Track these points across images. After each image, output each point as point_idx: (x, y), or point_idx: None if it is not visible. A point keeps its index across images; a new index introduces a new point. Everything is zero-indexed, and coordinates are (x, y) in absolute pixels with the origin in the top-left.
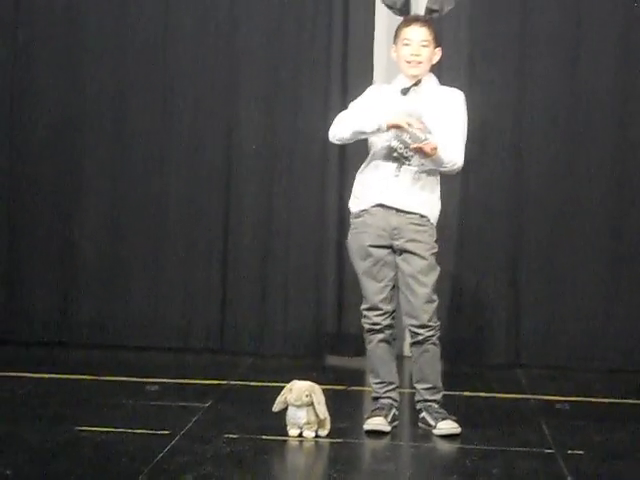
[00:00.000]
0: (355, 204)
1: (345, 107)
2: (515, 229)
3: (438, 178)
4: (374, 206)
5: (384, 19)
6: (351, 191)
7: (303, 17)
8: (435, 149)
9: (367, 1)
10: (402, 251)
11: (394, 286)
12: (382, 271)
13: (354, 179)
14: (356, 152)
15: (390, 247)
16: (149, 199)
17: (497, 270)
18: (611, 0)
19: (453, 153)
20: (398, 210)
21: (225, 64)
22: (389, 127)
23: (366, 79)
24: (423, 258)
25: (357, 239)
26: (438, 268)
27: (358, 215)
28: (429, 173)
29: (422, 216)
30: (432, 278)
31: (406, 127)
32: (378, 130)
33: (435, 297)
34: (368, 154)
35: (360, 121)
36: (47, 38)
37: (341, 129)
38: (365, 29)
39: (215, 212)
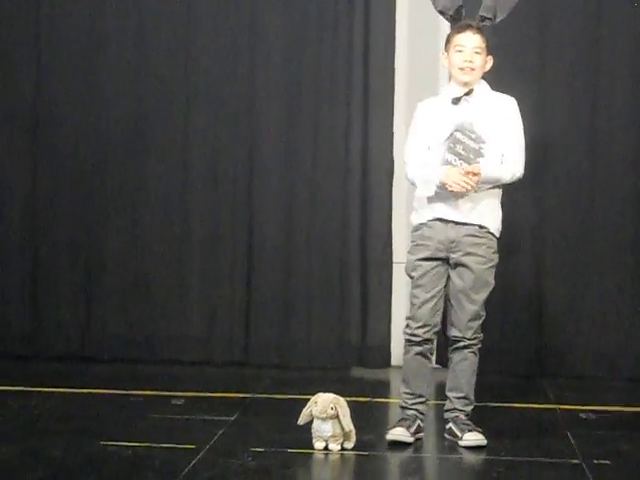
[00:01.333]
0: (415, 218)
1: (366, 129)
2: (538, 240)
3: (498, 188)
4: (432, 220)
5: (405, 38)
6: (372, 206)
7: (322, 38)
8: (477, 174)
9: (388, 22)
10: (457, 264)
11: (441, 299)
12: (432, 281)
13: (377, 195)
14: (377, 169)
15: (446, 259)
16: (173, 215)
17: (522, 280)
18: (630, 24)
19: (512, 165)
20: (456, 222)
21: (244, 90)
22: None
23: (387, 100)
24: (476, 273)
25: (413, 251)
26: (492, 283)
27: (417, 228)
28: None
29: (481, 227)
30: (483, 295)
31: (455, 188)
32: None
33: (483, 313)
34: (394, 169)
35: (419, 185)
36: (68, 66)
37: (410, 177)
38: (386, 49)
39: (239, 229)
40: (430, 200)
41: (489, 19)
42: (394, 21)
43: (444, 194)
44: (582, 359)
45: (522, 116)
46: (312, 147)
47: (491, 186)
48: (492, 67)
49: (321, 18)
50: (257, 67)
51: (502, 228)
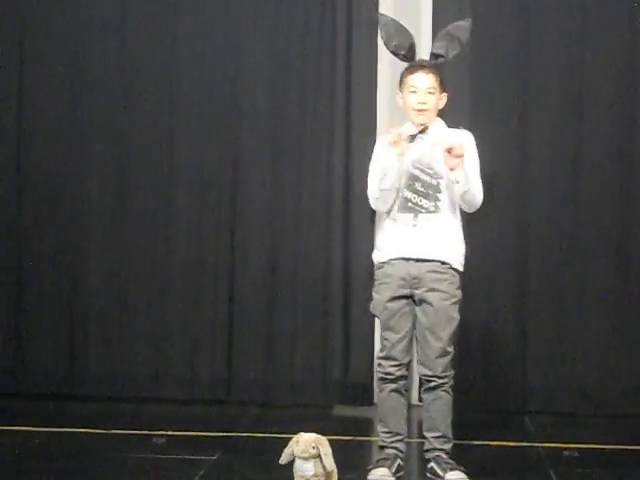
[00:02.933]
0: (377, 256)
1: (349, 162)
2: (521, 275)
3: (459, 222)
4: (394, 258)
5: (387, 70)
6: (355, 241)
7: (306, 67)
8: (460, 147)
9: (370, 52)
10: (421, 301)
11: (412, 337)
12: (400, 322)
13: (359, 229)
14: (360, 204)
15: (410, 297)
16: (153, 252)
17: (504, 316)
18: (615, 45)
19: (477, 193)
20: (417, 260)
21: (228, 120)
22: (398, 155)
23: (370, 130)
24: (441, 309)
25: (378, 290)
26: (457, 318)
27: (380, 266)
28: (448, 218)
29: (443, 263)
30: (449, 331)
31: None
32: (398, 169)
33: (450, 349)
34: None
35: (382, 182)
36: (50, 84)
37: (375, 202)
38: (368, 80)
39: (221, 263)
40: (392, 239)
41: (442, 56)
42: (376, 56)
43: (405, 232)
44: (565, 396)
45: (503, 141)
46: (295, 186)
47: (449, 214)
48: (470, 100)
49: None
50: (241, 98)
51: (483, 263)
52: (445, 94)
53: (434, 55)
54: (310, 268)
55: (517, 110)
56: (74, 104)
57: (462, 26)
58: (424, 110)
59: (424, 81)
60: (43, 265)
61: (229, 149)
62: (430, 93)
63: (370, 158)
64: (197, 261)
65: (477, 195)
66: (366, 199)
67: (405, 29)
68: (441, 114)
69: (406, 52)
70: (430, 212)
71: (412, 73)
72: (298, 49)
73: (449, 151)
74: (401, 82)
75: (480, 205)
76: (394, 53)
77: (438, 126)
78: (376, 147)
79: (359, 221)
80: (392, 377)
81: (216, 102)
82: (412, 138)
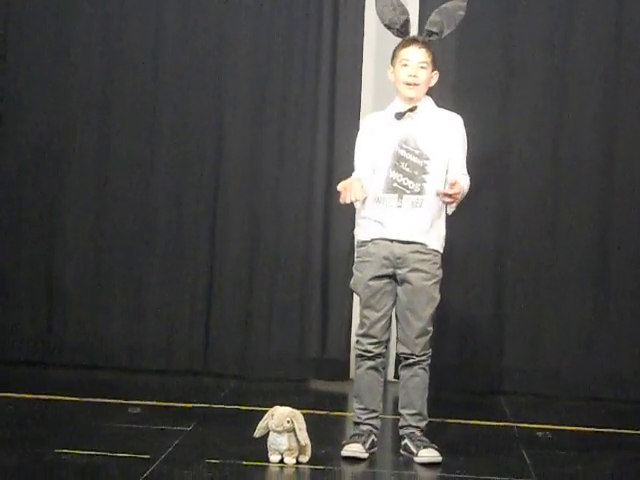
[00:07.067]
0: (359, 234)
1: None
2: (499, 257)
3: (442, 204)
4: (377, 238)
5: (372, 59)
6: (335, 221)
7: (290, 57)
8: (454, 184)
9: (355, 38)
10: (403, 281)
11: (392, 315)
12: (381, 301)
13: (340, 207)
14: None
15: (392, 276)
16: (134, 223)
17: (481, 297)
18: (600, 34)
19: (466, 179)
20: (401, 241)
21: (209, 108)
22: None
23: (353, 116)
24: (423, 289)
25: (360, 268)
26: (437, 298)
27: (362, 244)
28: (433, 199)
29: (425, 245)
30: (429, 310)
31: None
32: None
33: (430, 328)
34: None
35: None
36: (34, 62)
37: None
38: (353, 68)
39: (201, 238)
40: (376, 219)
41: (436, 34)
42: (362, 44)
43: (390, 213)
44: (540, 377)
45: (485, 133)
46: (276, 164)
47: (431, 196)
48: (454, 82)
49: (289, 44)
50: (223, 85)
51: (463, 245)
52: (436, 72)
53: (429, 32)
54: (290, 244)
55: (499, 99)
56: (55, 86)
57: (458, 5)
58: (415, 84)
59: (417, 55)
60: (20, 234)
61: (210, 138)
62: (422, 68)
63: (354, 142)
64: (177, 235)
65: (465, 191)
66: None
67: (401, 4)
68: (429, 93)
69: (400, 27)
70: (415, 193)
71: (405, 47)
72: (281, 37)
73: (447, 194)
74: (393, 56)
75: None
76: (388, 27)
77: (428, 105)
78: (361, 124)
79: (339, 204)
80: (370, 354)
81: (198, 90)
82: (400, 116)
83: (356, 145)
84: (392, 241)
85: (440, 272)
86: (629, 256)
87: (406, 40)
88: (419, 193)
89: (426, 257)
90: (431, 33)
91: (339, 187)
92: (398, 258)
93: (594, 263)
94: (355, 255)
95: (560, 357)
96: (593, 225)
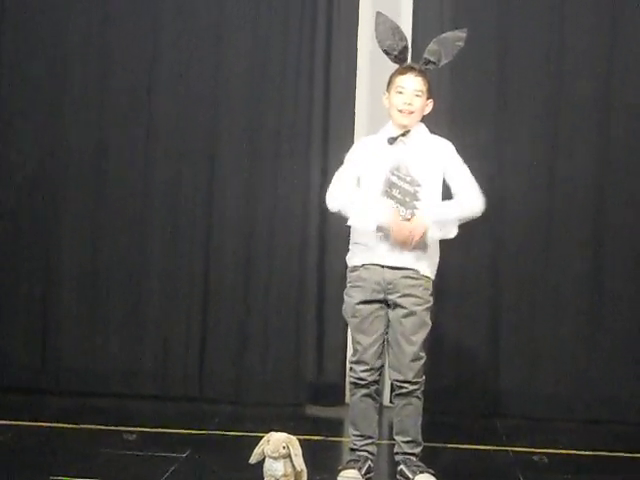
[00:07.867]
0: (351, 259)
1: (326, 165)
2: (494, 280)
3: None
4: (369, 264)
5: (366, 78)
6: (330, 245)
7: (284, 73)
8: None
9: (349, 62)
10: (395, 305)
11: (384, 341)
12: (373, 326)
13: (335, 231)
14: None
15: (384, 301)
16: (128, 249)
17: (477, 320)
18: (593, 54)
19: (472, 201)
20: (392, 267)
21: (205, 127)
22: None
23: (346, 141)
24: (414, 315)
25: (350, 293)
26: (429, 324)
27: (354, 269)
28: None
29: (417, 270)
30: (421, 336)
31: (397, 236)
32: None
33: (422, 354)
34: None
35: (354, 216)
36: (29, 89)
37: (335, 205)
38: (347, 87)
39: (195, 261)
40: (367, 244)
41: (433, 63)
42: (355, 67)
43: (379, 237)
44: (536, 401)
45: (480, 156)
46: (271, 189)
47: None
48: (449, 109)
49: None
50: (219, 101)
51: (458, 268)
52: (431, 100)
53: (426, 60)
54: (285, 268)
55: (494, 124)
56: (52, 90)
57: (458, 36)
58: (409, 112)
59: (413, 83)
60: (17, 258)
61: (206, 148)
62: (417, 96)
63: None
64: (172, 259)
65: (474, 209)
66: None
67: (401, 31)
68: (422, 120)
69: (398, 53)
70: (406, 220)
71: (402, 74)
72: (277, 52)
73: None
74: (389, 83)
75: (482, 207)
76: (387, 52)
77: (420, 131)
78: (352, 149)
79: (335, 223)
80: (364, 382)
81: (194, 105)
82: (392, 140)
83: (345, 159)
84: (383, 267)
85: (431, 299)
86: (624, 280)
87: (403, 67)
88: (410, 220)
89: (417, 282)
90: (428, 62)
91: (406, 232)
92: (389, 283)
93: (589, 287)
94: (347, 280)
95: (556, 380)
96: (588, 249)
